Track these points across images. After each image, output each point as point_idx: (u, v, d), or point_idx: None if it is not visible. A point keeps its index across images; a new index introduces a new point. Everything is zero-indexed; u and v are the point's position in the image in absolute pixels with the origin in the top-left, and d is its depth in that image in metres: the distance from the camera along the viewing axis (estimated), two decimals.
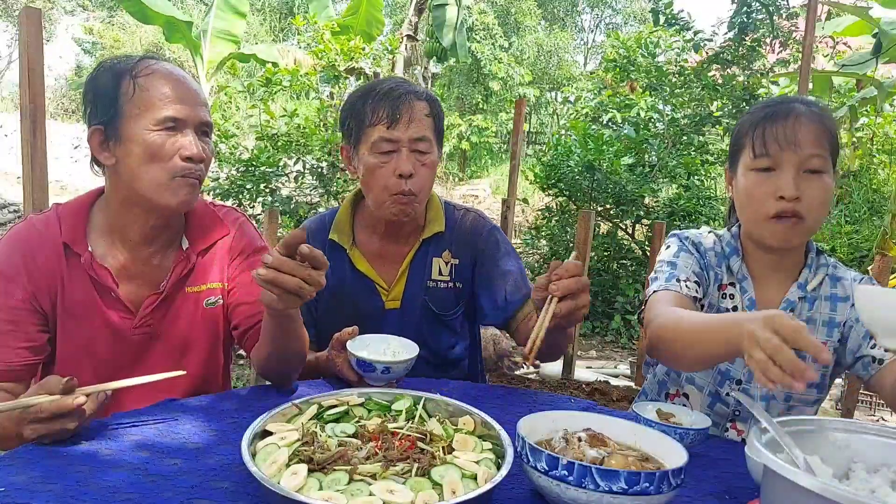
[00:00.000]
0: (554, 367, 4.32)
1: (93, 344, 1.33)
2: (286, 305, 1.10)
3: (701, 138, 6.71)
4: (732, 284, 1.46)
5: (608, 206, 6.21)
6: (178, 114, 1.26)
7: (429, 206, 1.67)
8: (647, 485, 0.83)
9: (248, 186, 5.16)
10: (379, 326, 1.62)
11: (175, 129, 1.27)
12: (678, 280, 1.39)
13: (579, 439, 0.98)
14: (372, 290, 1.63)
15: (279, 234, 4.77)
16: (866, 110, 7.66)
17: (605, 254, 6.11)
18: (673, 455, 0.95)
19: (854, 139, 8.16)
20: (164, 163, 1.26)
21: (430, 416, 1.07)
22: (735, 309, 1.44)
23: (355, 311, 1.62)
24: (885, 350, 1.28)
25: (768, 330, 0.93)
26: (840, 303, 1.41)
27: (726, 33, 6.94)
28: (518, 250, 7.05)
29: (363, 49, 6.57)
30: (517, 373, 4.40)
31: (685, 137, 6.75)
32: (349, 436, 0.98)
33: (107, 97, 1.26)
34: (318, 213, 1.80)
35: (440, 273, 1.65)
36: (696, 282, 1.40)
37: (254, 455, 0.91)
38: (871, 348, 1.34)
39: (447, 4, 10.63)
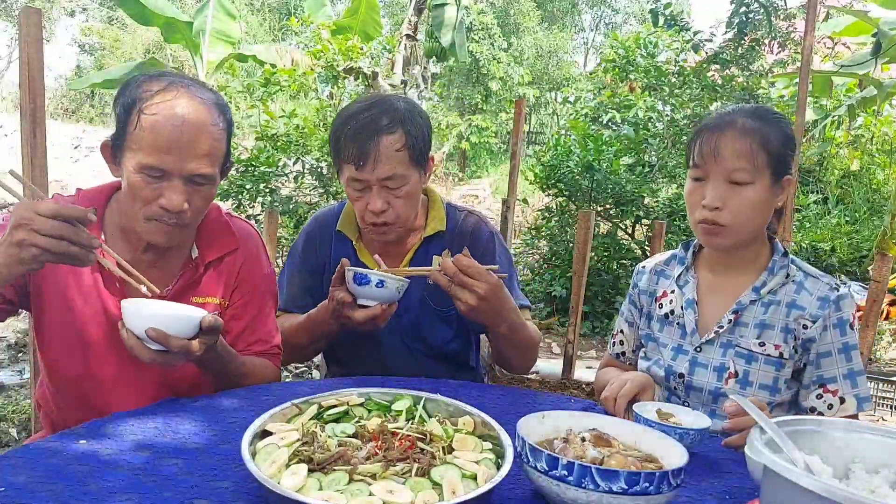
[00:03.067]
0: (554, 367, 4.32)
1: (87, 329, 1.34)
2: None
3: None
4: (672, 291, 1.54)
5: (608, 206, 6.21)
6: (164, 165, 1.23)
7: (431, 206, 1.72)
8: (647, 485, 0.83)
9: (247, 186, 5.16)
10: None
11: (161, 177, 1.24)
12: (612, 345, 1.71)
13: (583, 439, 0.98)
14: None
15: (279, 235, 4.78)
16: (865, 112, 7.65)
17: (605, 254, 6.11)
18: (673, 455, 0.95)
19: (850, 138, 8.16)
20: (141, 204, 1.26)
21: (430, 417, 1.07)
22: (671, 314, 1.53)
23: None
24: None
25: None
26: (795, 310, 1.40)
27: (725, 33, 6.95)
28: (518, 250, 7.07)
29: (361, 49, 6.57)
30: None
31: (685, 137, 6.74)
32: (349, 436, 0.98)
33: (122, 116, 1.27)
34: (327, 206, 1.84)
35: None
36: (626, 326, 1.67)
37: (254, 455, 0.91)
38: (817, 398, 1.39)
39: (446, 4, 10.63)
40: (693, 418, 1.20)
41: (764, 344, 1.41)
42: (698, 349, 1.45)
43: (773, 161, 1.37)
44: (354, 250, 1.69)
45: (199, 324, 1.18)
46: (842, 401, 1.37)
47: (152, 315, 1.15)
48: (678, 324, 1.51)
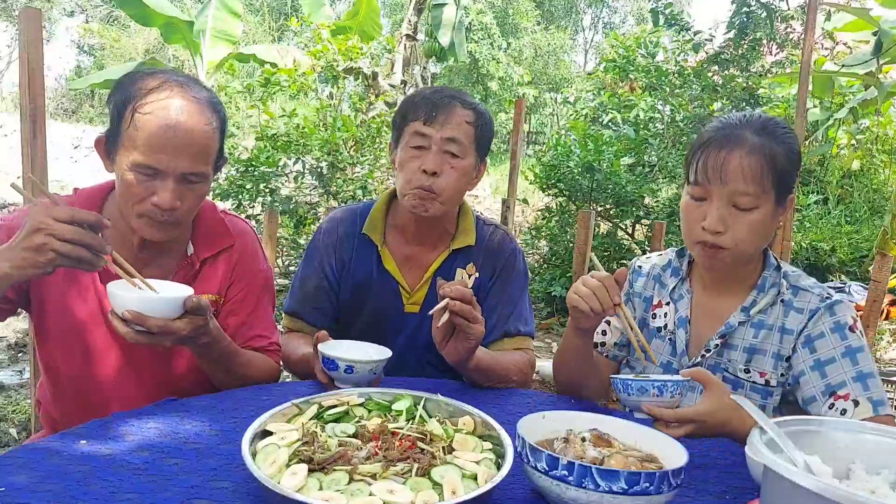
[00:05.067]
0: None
1: (85, 327, 1.34)
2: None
3: None
4: (668, 303, 1.48)
5: (608, 206, 6.20)
6: (157, 164, 1.23)
7: (461, 217, 1.68)
8: (648, 485, 0.83)
9: (247, 186, 5.16)
10: (397, 328, 1.63)
11: (153, 175, 1.25)
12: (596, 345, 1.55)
13: (583, 439, 0.98)
14: (395, 291, 1.64)
15: (279, 235, 4.77)
16: (867, 113, 7.65)
17: (605, 254, 6.10)
18: (673, 455, 0.95)
19: (854, 140, 8.16)
20: (133, 201, 1.27)
21: (430, 417, 1.06)
22: (664, 327, 1.47)
23: (376, 310, 1.64)
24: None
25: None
26: (786, 335, 1.35)
27: (726, 33, 6.95)
28: None
29: (361, 49, 6.57)
30: None
31: (685, 137, 6.74)
32: (349, 436, 0.98)
33: (115, 114, 1.27)
34: (345, 206, 1.80)
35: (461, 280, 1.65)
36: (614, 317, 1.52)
37: (254, 455, 0.91)
38: (829, 409, 1.27)
39: (446, 4, 10.62)
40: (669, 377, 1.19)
41: (749, 371, 1.36)
42: None
43: (779, 181, 1.29)
44: (379, 256, 1.64)
45: (182, 305, 1.18)
46: (855, 404, 1.26)
47: (129, 298, 1.16)
48: (669, 340, 1.46)
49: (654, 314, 1.50)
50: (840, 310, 1.33)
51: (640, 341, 1.28)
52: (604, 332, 1.57)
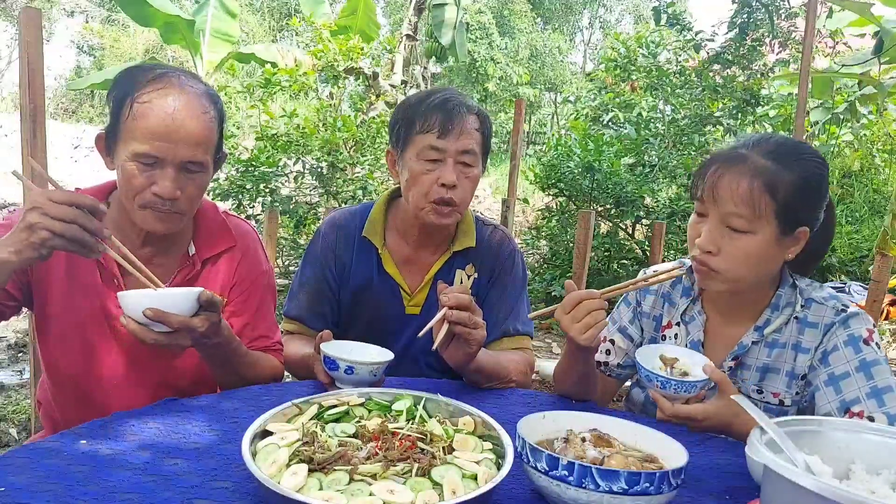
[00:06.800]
0: (554, 367, 4.31)
1: (86, 326, 1.35)
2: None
3: (701, 138, 6.71)
4: (678, 324, 1.45)
5: (608, 206, 6.20)
6: (157, 152, 1.24)
7: (461, 220, 1.67)
8: (648, 485, 0.83)
9: (247, 186, 5.17)
10: (397, 330, 1.62)
11: (154, 165, 1.25)
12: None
13: (583, 439, 0.98)
14: (395, 293, 1.64)
15: (279, 235, 4.78)
16: (867, 107, 7.64)
17: (606, 254, 6.10)
18: (673, 455, 0.95)
19: (855, 138, 8.16)
20: (134, 192, 1.27)
21: (430, 417, 1.06)
22: None
23: (377, 313, 1.64)
24: None
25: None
26: (801, 354, 1.32)
27: (727, 33, 6.95)
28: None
29: (362, 49, 6.58)
30: None
31: (685, 137, 6.74)
32: (349, 436, 0.98)
33: (115, 108, 1.28)
34: (342, 208, 1.79)
35: (461, 285, 1.64)
36: (619, 336, 1.53)
37: (254, 455, 0.91)
38: None
39: (446, 4, 10.61)
40: (699, 359, 1.21)
41: (762, 391, 1.34)
42: None
43: (781, 210, 1.22)
44: (379, 258, 1.64)
45: (196, 300, 1.18)
46: (871, 420, 1.21)
47: (148, 296, 1.16)
48: None
49: (665, 335, 1.47)
50: (854, 322, 1.29)
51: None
52: (608, 352, 1.55)
